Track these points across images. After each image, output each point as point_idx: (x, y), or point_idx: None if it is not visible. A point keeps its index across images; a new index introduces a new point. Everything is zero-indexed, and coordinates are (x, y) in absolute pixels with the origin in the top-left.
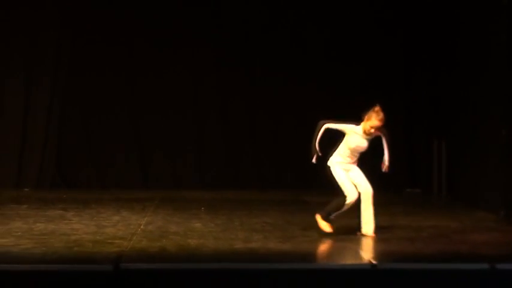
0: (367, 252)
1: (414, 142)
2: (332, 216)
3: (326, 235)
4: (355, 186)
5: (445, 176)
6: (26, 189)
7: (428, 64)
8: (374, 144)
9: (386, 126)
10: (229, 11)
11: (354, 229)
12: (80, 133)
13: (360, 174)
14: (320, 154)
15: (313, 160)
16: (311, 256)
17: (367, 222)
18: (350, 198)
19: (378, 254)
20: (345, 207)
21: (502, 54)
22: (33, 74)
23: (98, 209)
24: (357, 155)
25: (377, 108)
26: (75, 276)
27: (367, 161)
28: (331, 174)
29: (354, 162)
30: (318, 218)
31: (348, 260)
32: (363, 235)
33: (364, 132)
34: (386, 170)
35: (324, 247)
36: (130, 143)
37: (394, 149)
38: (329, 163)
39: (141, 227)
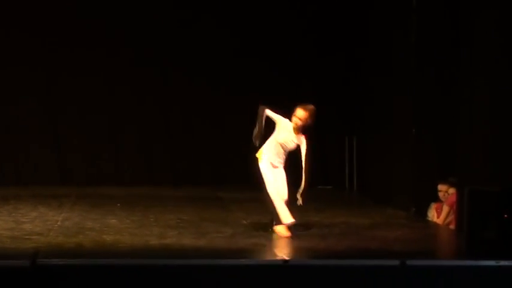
0: (279, 248)
1: (326, 139)
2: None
3: (262, 235)
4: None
5: (356, 173)
6: None
7: (339, 61)
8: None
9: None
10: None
11: (267, 225)
12: None
13: (283, 179)
14: (258, 135)
15: (256, 143)
16: (225, 252)
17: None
18: (273, 193)
19: (290, 250)
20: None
21: (411, 54)
22: None
23: (16, 205)
24: (284, 154)
25: (310, 106)
26: None
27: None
28: (258, 167)
29: (280, 163)
30: (276, 229)
31: (261, 256)
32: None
33: (294, 127)
34: (301, 203)
35: (237, 243)
36: (47, 139)
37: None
38: (258, 155)
39: (58, 223)
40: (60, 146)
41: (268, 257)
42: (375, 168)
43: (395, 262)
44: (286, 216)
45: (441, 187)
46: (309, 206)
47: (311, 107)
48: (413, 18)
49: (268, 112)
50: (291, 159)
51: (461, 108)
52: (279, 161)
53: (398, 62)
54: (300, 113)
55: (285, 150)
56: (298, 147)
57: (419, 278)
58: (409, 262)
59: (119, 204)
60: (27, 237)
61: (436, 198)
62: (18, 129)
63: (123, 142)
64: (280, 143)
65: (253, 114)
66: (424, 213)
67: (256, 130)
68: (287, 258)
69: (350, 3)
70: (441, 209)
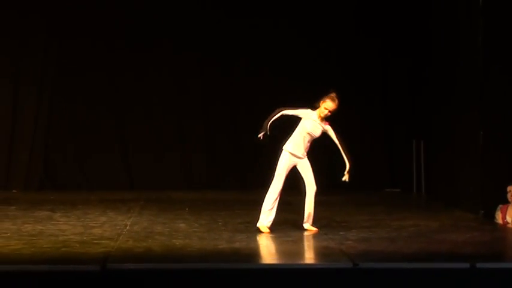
0: (349, 251)
1: (394, 142)
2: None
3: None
4: (304, 181)
5: (424, 176)
6: (14, 191)
7: (407, 65)
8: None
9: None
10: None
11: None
12: (66, 135)
13: (309, 170)
14: (268, 133)
15: (259, 135)
16: (295, 256)
17: (308, 217)
18: (273, 189)
19: (359, 253)
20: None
21: (479, 56)
22: (21, 75)
23: (85, 210)
24: (309, 143)
25: (333, 94)
26: (63, 276)
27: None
28: (279, 158)
29: (305, 152)
30: (311, 228)
31: (331, 260)
32: (305, 229)
33: (319, 116)
34: (347, 179)
35: (307, 247)
36: (115, 144)
37: (374, 149)
38: (284, 147)
39: (127, 227)
40: (127, 150)
41: (338, 261)
42: (443, 171)
43: (466, 265)
44: (264, 220)
45: (510, 188)
46: (377, 208)
47: (334, 95)
48: (480, 20)
49: (287, 112)
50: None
51: None
52: (304, 152)
53: (465, 64)
54: (329, 105)
55: (311, 138)
56: (323, 134)
57: (490, 281)
58: (479, 265)
59: (187, 209)
60: (96, 241)
61: (504, 201)
62: (87, 134)
63: (191, 146)
64: (308, 132)
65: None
66: (493, 216)
67: (264, 124)
68: (357, 261)
69: (413, 7)
70: (506, 210)
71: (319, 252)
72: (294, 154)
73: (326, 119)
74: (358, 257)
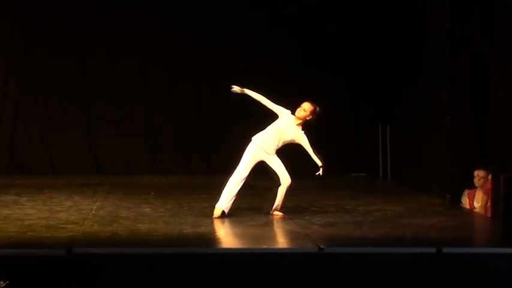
0: (314, 236)
1: (359, 127)
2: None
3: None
4: (278, 175)
5: (390, 161)
6: None
7: (371, 49)
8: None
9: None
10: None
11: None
12: (32, 119)
13: (280, 165)
14: (238, 92)
15: (234, 88)
16: (260, 240)
17: (275, 208)
18: (235, 177)
19: (325, 237)
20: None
21: (444, 41)
22: None
23: (51, 194)
24: (280, 143)
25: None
26: (29, 260)
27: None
28: (246, 149)
29: (274, 150)
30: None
31: (296, 244)
32: (272, 215)
33: (297, 118)
34: (322, 175)
35: (271, 231)
36: (81, 128)
37: (339, 134)
38: (254, 138)
39: (93, 212)
40: (93, 135)
41: (303, 245)
42: (409, 156)
43: (432, 250)
44: (221, 203)
45: (478, 173)
46: (343, 193)
47: (317, 105)
48: (446, 5)
49: (267, 101)
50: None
51: (495, 95)
52: (273, 149)
53: (431, 49)
54: (307, 106)
55: (281, 139)
56: (293, 142)
57: (456, 266)
58: (445, 250)
59: (152, 193)
60: (62, 226)
61: (470, 185)
62: (53, 118)
63: (156, 130)
64: (280, 130)
65: (288, 107)
66: (459, 200)
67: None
68: (322, 246)
69: None
70: (474, 196)
71: (285, 237)
72: (262, 147)
73: (304, 127)
74: (323, 241)
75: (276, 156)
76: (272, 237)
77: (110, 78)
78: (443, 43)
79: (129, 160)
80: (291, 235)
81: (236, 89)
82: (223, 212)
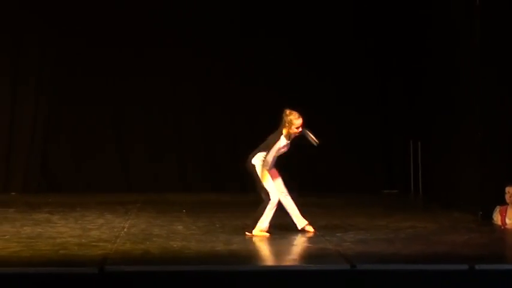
0: (346, 253)
1: (391, 143)
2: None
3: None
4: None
5: (422, 177)
6: (12, 193)
7: (403, 65)
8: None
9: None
10: (209, 15)
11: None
12: (64, 137)
13: (278, 179)
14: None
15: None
16: (293, 258)
17: (261, 221)
18: (273, 199)
19: (357, 255)
20: (270, 209)
21: (476, 56)
22: (18, 77)
23: (83, 212)
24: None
25: (288, 111)
26: (61, 278)
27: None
28: (256, 172)
29: (274, 166)
30: (254, 234)
31: (328, 261)
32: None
33: (289, 137)
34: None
35: (305, 249)
36: (113, 146)
37: (371, 151)
38: (254, 161)
39: (125, 229)
40: (124, 152)
41: (336, 262)
42: (441, 172)
43: (464, 267)
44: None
45: (509, 189)
46: (375, 210)
47: (292, 111)
48: (477, 20)
49: (269, 158)
50: None
51: None
52: (273, 164)
53: (463, 65)
54: (298, 122)
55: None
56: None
57: (488, 283)
58: (478, 266)
59: (184, 211)
60: (94, 244)
61: (502, 202)
62: (85, 136)
63: (188, 148)
64: (279, 152)
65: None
66: (490, 217)
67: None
68: (354, 263)
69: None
70: (505, 212)
71: (317, 254)
72: (269, 171)
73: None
74: (355, 259)
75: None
76: (304, 254)
77: (141, 97)
78: (475, 60)
79: (161, 178)
80: (323, 252)
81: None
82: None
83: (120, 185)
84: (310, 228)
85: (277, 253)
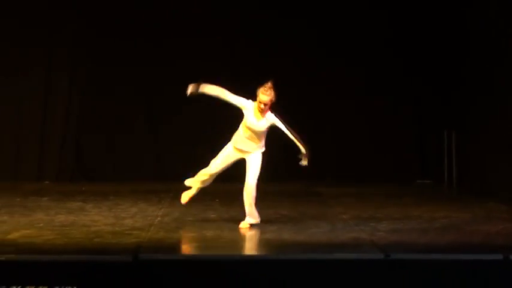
0: (380, 242)
1: (425, 133)
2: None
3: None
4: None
5: (456, 167)
6: (46, 182)
7: (438, 53)
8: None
9: (395, 119)
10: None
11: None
12: (98, 125)
13: (252, 165)
14: (195, 92)
15: (190, 90)
16: (325, 247)
17: (248, 215)
18: (206, 170)
19: (391, 244)
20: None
21: None
22: (52, 66)
23: (116, 200)
24: (254, 137)
25: (268, 84)
26: (95, 266)
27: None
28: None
29: (252, 148)
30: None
31: (361, 251)
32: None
33: (257, 110)
34: (306, 164)
35: (337, 238)
36: (146, 134)
37: (404, 141)
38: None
39: (158, 218)
40: (158, 141)
41: (369, 252)
42: (475, 162)
43: (499, 256)
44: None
45: None
46: (409, 200)
47: (269, 84)
48: None
49: (228, 95)
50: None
51: None
52: (251, 146)
53: (501, 52)
54: (263, 98)
55: (254, 134)
56: (271, 127)
57: None
58: None
59: (217, 200)
60: (128, 232)
61: None
62: (118, 124)
63: (220, 136)
64: (247, 126)
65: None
66: None
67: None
68: (388, 252)
69: None
70: None
71: (351, 244)
72: (237, 148)
73: (271, 107)
74: (389, 248)
75: (257, 154)
76: (338, 244)
77: (174, 84)
78: None
79: (194, 167)
80: (357, 242)
81: (192, 89)
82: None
83: (153, 174)
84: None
85: (311, 243)
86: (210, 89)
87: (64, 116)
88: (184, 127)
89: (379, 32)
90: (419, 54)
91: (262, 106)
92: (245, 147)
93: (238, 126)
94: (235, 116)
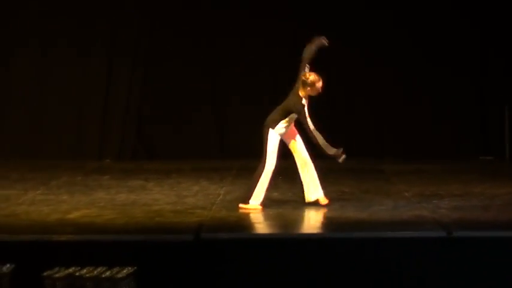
0: (442, 220)
1: (486, 109)
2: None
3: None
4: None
5: None
6: (107, 160)
7: (504, 30)
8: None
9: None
10: None
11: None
12: (160, 103)
13: (301, 142)
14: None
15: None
16: (388, 225)
17: (315, 189)
18: (269, 167)
19: (453, 222)
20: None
21: None
22: (114, 43)
23: (178, 179)
24: (284, 120)
25: (308, 73)
26: (157, 245)
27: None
28: (266, 137)
29: (280, 128)
30: (244, 207)
31: (424, 228)
32: (316, 201)
33: (306, 97)
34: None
35: (400, 216)
36: (208, 112)
37: (466, 117)
38: (269, 125)
39: (220, 196)
40: (220, 118)
41: (432, 229)
42: None
43: None
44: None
45: None
46: (470, 176)
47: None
48: None
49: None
50: None
51: None
52: (291, 127)
53: None
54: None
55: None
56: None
57: None
58: None
59: (280, 177)
60: (190, 211)
61: None
62: (180, 102)
63: None
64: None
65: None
66: None
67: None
68: (451, 230)
69: None
70: None
71: (413, 221)
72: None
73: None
74: (452, 226)
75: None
76: (400, 222)
77: (237, 60)
78: None
79: (257, 144)
80: (419, 219)
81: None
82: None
83: (215, 151)
84: (323, 200)
85: (373, 220)
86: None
87: (126, 94)
88: (247, 103)
89: (448, 9)
90: (485, 31)
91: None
92: (288, 133)
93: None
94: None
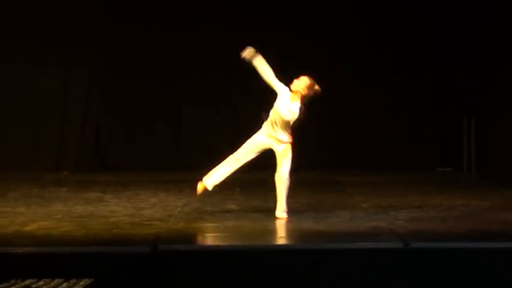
0: (399, 231)
1: (444, 121)
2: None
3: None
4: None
5: (475, 155)
6: (64, 172)
7: (457, 42)
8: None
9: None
10: None
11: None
12: (117, 116)
13: (283, 157)
14: (247, 59)
15: (245, 54)
16: (345, 236)
17: (278, 205)
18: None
19: (410, 233)
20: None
21: None
22: (71, 56)
23: (136, 191)
24: (283, 127)
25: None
26: (114, 257)
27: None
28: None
29: (280, 134)
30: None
31: (381, 240)
32: (276, 218)
33: (293, 92)
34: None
35: (357, 227)
36: (166, 124)
37: (424, 129)
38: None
39: (178, 208)
40: (179, 131)
41: (389, 241)
42: (494, 150)
43: None
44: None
45: None
46: (428, 188)
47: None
48: None
49: (270, 76)
50: None
51: None
52: (279, 133)
53: None
54: (303, 78)
55: (283, 120)
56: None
57: None
58: None
59: (238, 189)
60: (147, 223)
61: None
62: (137, 114)
63: (241, 128)
64: (277, 113)
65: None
66: None
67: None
68: (408, 241)
69: None
70: None
71: (370, 232)
72: (267, 134)
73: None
74: (409, 237)
75: (285, 146)
76: (357, 233)
77: (194, 73)
78: None
79: (214, 157)
80: (376, 231)
81: (248, 53)
82: (206, 189)
83: (173, 164)
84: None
85: (330, 232)
86: (261, 64)
87: (83, 106)
88: (205, 116)
89: (404, 19)
90: (440, 43)
91: (298, 87)
92: (273, 133)
93: (257, 118)
94: (254, 106)
